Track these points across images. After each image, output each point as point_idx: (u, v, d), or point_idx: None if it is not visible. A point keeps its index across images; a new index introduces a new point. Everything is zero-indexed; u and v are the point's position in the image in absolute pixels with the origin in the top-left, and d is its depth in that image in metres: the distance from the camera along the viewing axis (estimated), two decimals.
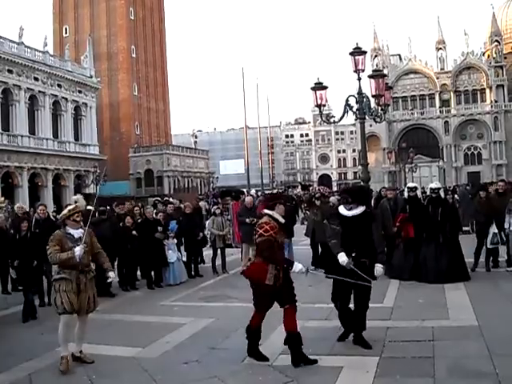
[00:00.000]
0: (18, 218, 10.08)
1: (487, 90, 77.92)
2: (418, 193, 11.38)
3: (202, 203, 22.92)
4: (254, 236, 5.95)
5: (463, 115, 77.72)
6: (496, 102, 76.12)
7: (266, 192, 39.38)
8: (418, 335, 6.52)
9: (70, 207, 6.40)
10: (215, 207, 14.18)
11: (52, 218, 12.18)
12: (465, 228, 14.39)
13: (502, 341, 6.07)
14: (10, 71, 42.18)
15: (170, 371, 5.85)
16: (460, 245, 10.33)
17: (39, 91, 45.44)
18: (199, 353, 6.31)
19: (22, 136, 43.19)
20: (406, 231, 10.39)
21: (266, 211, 6.07)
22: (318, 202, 13.31)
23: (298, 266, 5.93)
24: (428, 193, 11.02)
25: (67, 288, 6.05)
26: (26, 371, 6.09)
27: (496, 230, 10.85)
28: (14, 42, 43.52)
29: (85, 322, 6.35)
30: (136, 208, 12.86)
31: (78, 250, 5.97)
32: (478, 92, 78.94)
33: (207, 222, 13.57)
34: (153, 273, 11.51)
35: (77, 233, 6.24)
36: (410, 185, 11.71)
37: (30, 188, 43.58)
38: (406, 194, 11.19)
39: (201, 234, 12.91)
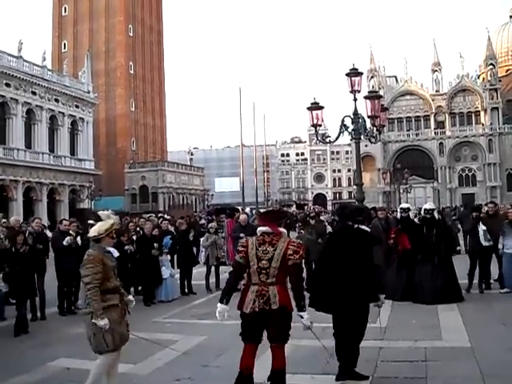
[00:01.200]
0: (13, 230, 10.07)
1: (482, 113, 78.62)
2: (411, 214, 11.40)
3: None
4: (293, 256, 5.02)
5: (458, 137, 78.33)
6: (491, 124, 76.71)
7: (262, 210, 39.32)
8: (411, 355, 6.52)
9: (110, 222, 5.61)
10: (210, 224, 14.17)
11: (45, 232, 12.19)
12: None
13: (493, 362, 6.07)
14: (7, 85, 42.32)
15: None
16: (454, 266, 10.37)
17: (36, 105, 45.55)
18: (191, 370, 6.28)
19: (18, 149, 43.20)
20: (402, 243, 10.40)
21: (283, 230, 5.34)
22: (312, 221, 13.34)
23: (305, 316, 5.04)
24: (422, 213, 11.06)
25: (116, 316, 5.22)
26: None
27: (485, 228, 10.92)
28: (12, 55, 43.72)
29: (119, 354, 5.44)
30: (131, 224, 12.89)
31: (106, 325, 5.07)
32: (473, 114, 79.65)
33: (201, 239, 13.56)
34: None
35: (114, 251, 5.57)
36: (404, 205, 11.74)
37: (24, 202, 43.46)
38: (398, 215, 11.22)
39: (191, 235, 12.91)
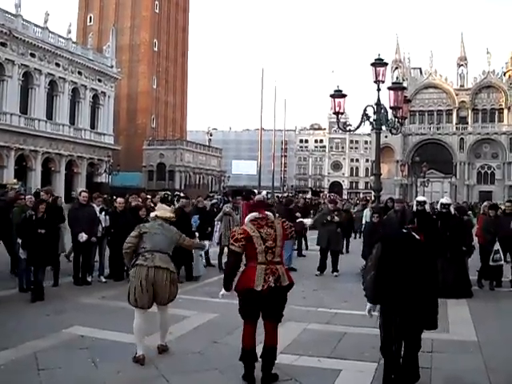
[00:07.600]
0: (36, 199, 10.29)
1: (505, 111, 77.51)
2: (427, 207, 11.39)
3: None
4: (290, 229, 5.58)
5: (479, 134, 77.43)
6: None
7: (277, 196, 39.33)
8: None
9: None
10: (226, 205, 14.27)
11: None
12: None
13: (499, 357, 6.13)
14: (32, 55, 42.61)
15: (172, 360, 5.97)
16: (465, 261, 10.39)
17: (59, 77, 45.84)
18: (201, 345, 6.43)
19: (39, 120, 43.59)
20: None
21: (270, 213, 5.66)
22: (335, 213, 13.30)
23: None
24: (438, 208, 11.05)
25: None
26: (32, 349, 6.20)
27: (498, 247, 10.86)
28: (38, 26, 43.97)
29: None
30: (148, 200, 13.03)
31: None
32: (496, 111, 78.57)
33: (216, 219, 13.66)
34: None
35: None
36: (420, 198, 11.68)
37: (42, 172, 43.93)
38: (414, 208, 11.22)
39: (209, 229, 12.98)
